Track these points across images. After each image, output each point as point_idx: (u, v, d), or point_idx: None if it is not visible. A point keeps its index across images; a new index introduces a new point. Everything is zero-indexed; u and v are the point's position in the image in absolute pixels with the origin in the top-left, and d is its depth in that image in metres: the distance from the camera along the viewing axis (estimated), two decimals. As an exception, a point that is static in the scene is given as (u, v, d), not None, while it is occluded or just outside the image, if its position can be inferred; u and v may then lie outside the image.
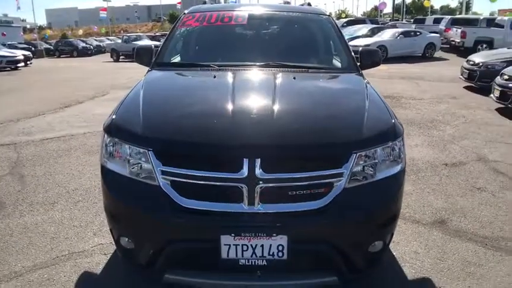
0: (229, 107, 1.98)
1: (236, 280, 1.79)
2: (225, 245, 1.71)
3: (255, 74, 2.61)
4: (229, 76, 2.44)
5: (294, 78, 2.46)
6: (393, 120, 2.04)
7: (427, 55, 17.42)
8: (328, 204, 1.74)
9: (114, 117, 2.07)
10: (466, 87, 9.09)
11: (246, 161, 1.70)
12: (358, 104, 2.18)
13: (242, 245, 1.70)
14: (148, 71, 2.84)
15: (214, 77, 2.51)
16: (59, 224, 3.10)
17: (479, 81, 8.45)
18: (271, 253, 1.71)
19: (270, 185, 1.72)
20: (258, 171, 1.70)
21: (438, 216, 3.08)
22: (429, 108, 7.01)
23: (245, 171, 1.70)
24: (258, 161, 1.70)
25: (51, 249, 2.72)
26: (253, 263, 1.73)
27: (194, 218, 1.73)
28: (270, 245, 1.70)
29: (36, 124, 6.48)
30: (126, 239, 1.93)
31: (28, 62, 19.06)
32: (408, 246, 2.65)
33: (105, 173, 2.00)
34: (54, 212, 3.31)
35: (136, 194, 1.85)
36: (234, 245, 1.71)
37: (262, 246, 1.70)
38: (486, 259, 2.49)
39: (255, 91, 2.31)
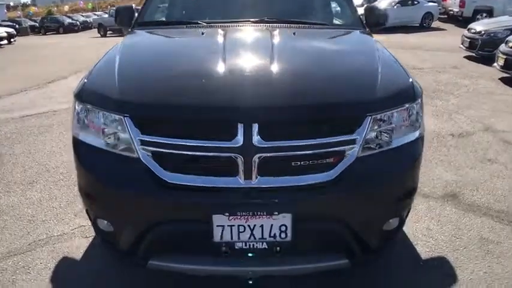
0: (221, 65, 1.67)
1: (233, 266, 1.54)
2: (217, 226, 1.45)
3: (250, 30, 2.28)
4: (220, 33, 2.10)
5: (294, 34, 2.14)
6: (410, 80, 1.75)
7: (424, 25, 16.92)
8: (338, 176, 1.47)
9: (85, 81, 1.77)
10: (467, 57, 8.78)
11: (240, 127, 1.42)
12: (369, 61, 1.88)
13: (238, 225, 1.44)
14: (128, 32, 2.50)
15: (203, 34, 2.17)
16: (37, 205, 2.83)
17: (481, 50, 8.14)
18: (272, 234, 1.45)
19: (270, 154, 1.44)
20: (255, 138, 1.41)
21: (449, 189, 2.86)
22: (430, 78, 6.72)
23: (240, 139, 1.41)
24: (256, 127, 1.42)
25: (28, 234, 2.46)
26: (251, 246, 1.47)
27: (181, 196, 1.46)
28: (271, 225, 1.44)
29: (17, 101, 6.10)
30: (105, 221, 1.67)
31: (12, 40, 18.38)
32: (420, 222, 2.43)
33: (78, 145, 1.71)
34: (32, 192, 3.03)
35: (113, 169, 1.57)
36: (228, 225, 1.44)
37: (262, 226, 1.44)
38: (505, 236, 2.28)
39: (250, 48, 1.98)
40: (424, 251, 2.16)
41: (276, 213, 1.42)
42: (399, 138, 1.61)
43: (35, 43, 19.86)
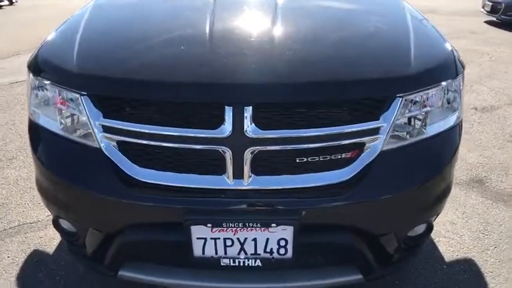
0: (207, 29, 1.29)
1: (220, 282, 1.24)
2: (198, 238, 1.13)
3: None
4: None
5: None
6: (451, 49, 1.36)
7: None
8: (356, 174, 1.13)
9: (39, 49, 1.41)
10: (488, 22, 8.12)
11: (229, 111, 1.07)
12: (398, 25, 1.46)
13: (224, 238, 1.12)
14: None
15: None
16: (13, 185, 2.54)
17: (504, 14, 7.49)
18: (268, 250, 1.13)
19: (268, 148, 1.09)
20: (248, 126, 1.07)
21: (474, 173, 2.52)
22: (449, 45, 6.17)
23: (227, 127, 1.07)
24: (249, 111, 1.07)
25: (-2, 220, 2.20)
26: (241, 264, 1.16)
27: (151, 198, 1.13)
28: (267, 238, 1.11)
29: (8, 66, 5.69)
30: (66, 221, 1.37)
31: (13, 0, 17.73)
32: (443, 214, 2.08)
33: (32, 128, 1.38)
34: (9, 170, 2.73)
35: (70, 160, 1.26)
36: (212, 238, 1.12)
37: (254, 240, 1.12)
38: (543, 232, 1.97)
39: (247, 7, 1.57)
40: (448, 250, 1.85)
41: (274, 225, 1.09)
42: (435, 124, 1.25)
43: (39, 4, 18.97)
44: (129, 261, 1.31)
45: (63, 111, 1.25)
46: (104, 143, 1.16)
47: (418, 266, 1.75)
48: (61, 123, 1.26)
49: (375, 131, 1.13)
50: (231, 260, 1.16)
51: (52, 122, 1.28)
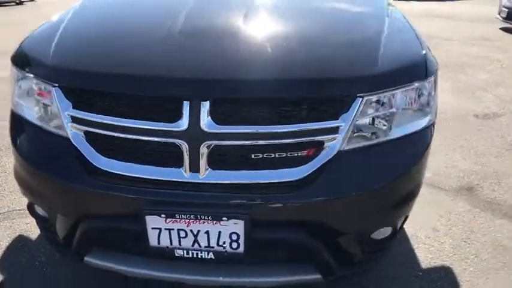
0: (177, 25, 1.31)
1: (179, 273, 1.25)
2: (153, 228, 1.14)
3: None
4: None
5: None
6: (424, 51, 1.33)
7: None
8: (313, 173, 1.12)
9: (23, 42, 1.48)
10: (504, 29, 7.92)
11: (186, 105, 1.09)
12: (372, 24, 1.45)
13: (178, 230, 1.13)
14: None
15: None
16: (9, 173, 2.62)
17: (521, 20, 7.31)
18: (220, 243, 1.14)
19: (224, 143, 1.10)
20: (205, 121, 1.08)
21: (466, 181, 2.46)
22: (459, 50, 6.05)
23: (185, 121, 1.09)
24: (206, 106, 1.08)
25: (-10, 206, 2.26)
26: (195, 255, 1.17)
27: (111, 186, 1.16)
28: (219, 232, 1.12)
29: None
30: (39, 207, 1.42)
31: (35, -4, 18.23)
32: (426, 220, 2.07)
33: (13, 118, 1.44)
34: (7, 158, 2.81)
35: (42, 148, 1.31)
36: (166, 229, 1.13)
37: (207, 233, 1.13)
38: (528, 244, 1.91)
39: (223, 5, 1.57)
40: (426, 257, 1.81)
41: (225, 218, 1.09)
42: (401, 126, 1.23)
43: (58, 0, 19.48)
44: (95, 248, 1.34)
45: (40, 102, 1.29)
46: (72, 132, 1.20)
47: (393, 270, 1.72)
48: (37, 113, 1.31)
49: (333, 130, 1.12)
50: (185, 251, 1.17)
51: (30, 112, 1.33)
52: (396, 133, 1.22)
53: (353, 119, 1.13)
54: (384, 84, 1.17)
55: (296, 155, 1.13)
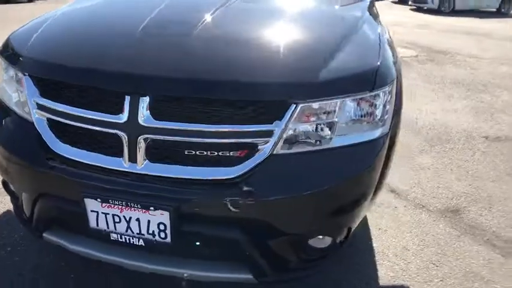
0: (140, 25, 1.38)
1: (118, 257, 1.30)
2: (92, 211, 1.21)
3: None
4: None
5: None
6: (378, 62, 1.31)
7: (503, 11, 14.71)
8: (244, 174, 1.15)
9: (11, 35, 1.63)
10: (543, 50, 7.46)
11: (127, 99, 1.16)
12: (330, 33, 1.46)
13: (113, 215, 1.19)
14: None
15: None
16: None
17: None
18: (150, 232, 1.19)
19: (160, 137, 1.16)
20: (142, 115, 1.15)
21: (454, 203, 2.36)
22: (486, 70, 5.77)
23: (125, 114, 1.16)
24: (145, 101, 1.15)
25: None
26: (127, 241, 1.22)
27: (61, 170, 1.24)
28: (149, 220, 1.17)
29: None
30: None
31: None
32: (399, 237, 2.02)
33: None
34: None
35: (13, 130, 1.42)
36: (102, 213, 1.20)
37: (138, 220, 1.18)
38: (502, 274, 1.81)
39: (192, 8, 1.63)
40: (387, 275, 1.77)
41: (152, 208, 1.14)
42: (345, 136, 1.23)
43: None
44: (54, 226, 1.43)
45: (17, 89, 1.41)
46: (36, 118, 1.30)
47: (347, 279, 1.70)
48: (15, 99, 1.43)
49: (266, 134, 1.14)
50: (119, 236, 1.22)
51: (10, 98, 1.45)
52: (338, 142, 1.21)
53: (286, 125, 1.14)
54: (324, 93, 1.17)
55: (228, 154, 1.16)
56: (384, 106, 1.30)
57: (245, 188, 1.13)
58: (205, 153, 1.16)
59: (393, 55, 1.54)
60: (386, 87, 1.29)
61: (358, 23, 1.56)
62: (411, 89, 4.48)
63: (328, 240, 1.30)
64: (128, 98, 1.15)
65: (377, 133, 1.29)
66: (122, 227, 1.20)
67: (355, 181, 1.24)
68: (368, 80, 1.24)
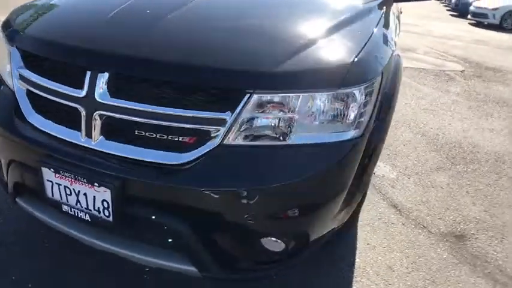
0: (115, 8, 1.39)
1: (71, 228, 1.32)
2: (47, 180, 1.24)
3: None
4: None
5: None
6: (354, 58, 1.20)
7: None
8: (192, 161, 1.11)
9: (11, 11, 1.71)
10: None
11: (88, 75, 1.17)
12: (309, 23, 1.39)
13: (64, 186, 1.21)
14: None
15: None
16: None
17: None
18: (96, 208, 1.19)
19: (114, 115, 1.15)
20: (98, 91, 1.16)
21: (461, 227, 2.15)
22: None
23: (84, 89, 1.17)
24: (103, 78, 1.16)
25: None
26: (76, 214, 1.23)
27: (27, 138, 1.29)
28: (94, 196, 1.17)
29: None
30: None
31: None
32: (386, 256, 1.86)
33: None
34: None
35: (1, 100, 1.48)
36: (56, 183, 1.22)
37: (85, 195, 1.18)
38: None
39: None
40: (361, 293, 1.64)
41: (97, 184, 1.14)
42: (305, 134, 1.15)
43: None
44: (24, 192, 1.49)
45: (9, 61, 1.49)
46: (17, 87, 1.38)
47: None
48: (7, 69, 1.50)
49: (218, 122, 1.09)
50: (70, 208, 1.24)
51: (3, 68, 1.53)
52: (297, 140, 1.14)
53: (238, 115, 1.09)
54: (283, 85, 1.10)
55: (178, 140, 1.13)
56: (359, 107, 1.20)
57: (190, 176, 1.09)
58: (156, 135, 1.14)
59: (386, 54, 1.43)
60: (362, 86, 1.19)
61: (351, 16, 1.46)
62: (443, 103, 4.18)
63: (278, 245, 1.22)
64: (88, 74, 1.17)
65: (346, 136, 1.19)
66: (72, 199, 1.22)
67: (311, 185, 1.15)
68: (336, 76, 1.15)
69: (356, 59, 1.20)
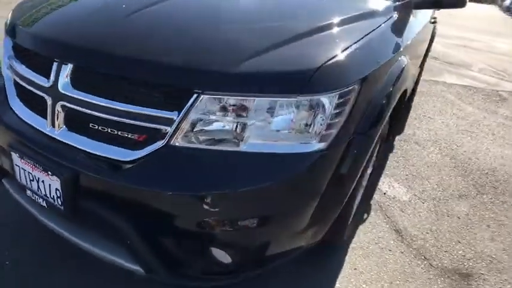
0: (96, 5, 1.44)
1: (37, 211, 1.37)
2: (16, 165, 1.30)
3: None
4: None
5: None
6: (321, 64, 1.10)
7: None
8: (140, 159, 1.10)
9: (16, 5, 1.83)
10: None
11: (55, 65, 1.21)
12: (284, 24, 1.33)
13: (28, 172, 1.26)
14: None
15: None
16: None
17: None
18: (52, 196, 1.22)
19: (74, 107, 1.18)
20: (62, 82, 1.19)
21: (469, 265, 1.91)
22: None
23: (51, 79, 1.22)
24: (67, 69, 1.19)
25: None
26: (35, 200, 1.29)
27: (5, 123, 1.36)
28: (50, 184, 1.20)
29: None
30: None
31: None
32: (371, 285, 1.71)
33: None
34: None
35: None
36: (22, 169, 1.28)
37: (43, 182, 1.22)
38: None
39: None
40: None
41: (50, 172, 1.16)
42: (258, 142, 1.09)
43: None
44: (9, 174, 1.57)
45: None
46: (6, 75, 1.47)
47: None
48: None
49: (165, 122, 1.07)
50: (32, 194, 1.29)
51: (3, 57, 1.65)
52: (249, 148, 1.08)
53: (186, 115, 1.05)
54: (234, 88, 1.04)
55: (129, 136, 1.13)
56: (327, 117, 1.11)
57: (132, 174, 1.08)
58: (110, 130, 1.15)
59: (377, 61, 1.32)
60: (332, 94, 1.09)
61: (341, 20, 1.37)
62: (486, 125, 3.80)
63: (224, 256, 1.16)
64: (55, 64, 1.21)
65: (307, 148, 1.11)
66: (34, 185, 1.26)
67: (260, 198, 1.08)
68: (297, 81, 1.06)
69: (326, 65, 1.11)
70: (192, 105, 1.05)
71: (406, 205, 2.34)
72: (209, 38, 1.20)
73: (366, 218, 2.16)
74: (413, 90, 3.85)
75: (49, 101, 1.22)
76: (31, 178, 1.26)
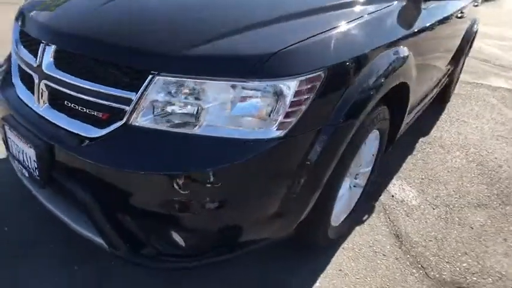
0: None
1: (24, 180, 1.47)
2: (8, 137, 1.41)
3: None
4: None
5: None
6: (281, 48, 1.07)
7: None
8: (102, 137, 1.14)
9: None
10: None
11: (41, 47, 1.31)
12: (251, 13, 1.30)
13: (16, 143, 1.36)
14: None
15: None
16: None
17: None
18: (32, 167, 1.30)
19: (54, 86, 1.26)
20: (46, 61, 1.28)
21: (472, 280, 1.75)
22: None
23: (38, 58, 1.32)
24: (51, 50, 1.28)
25: None
26: (20, 170, 1.40)
27: (6, 100, 1.48)
28: (30, 156, 1.29)
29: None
30: None
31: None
32: (360, 285, 1.63)
33: None
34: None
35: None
36: (12, 140, 1.39)
37: (25, 154, 1.31)
38: None
39: None
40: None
41: (30, 145, 1.26)
42: (215, 126, 1.08)
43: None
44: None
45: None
46: (13, 59, 1.60)
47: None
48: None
49: (124, 101, 1.11)
50: (19, 163, 1.39)
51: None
52: (204, 131, 1.07)
53: (142, 95, 1.08)
54: (188, 70, 1.05)
55: (95, 114, 1.18)
56: (286, 104, 1.07)
57: (94, 151, 1.13)
58: (79, 108, 1.21)
59: (356, 49, 1.26)
60: (289, 80, 1.06)
61: (320, 6, 1.32)
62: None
63: (178, 239, 1.18)
64: (41, 46, 1.30)
65: (263, 135, 1.08)
66: (21, 156, 1.36)
67: (211, 183, 1.07)
68: (252, 65, 1.04)
69: (284, 50, 1.07)
70: (148, 85, 1.07)
71: (414, 210, 2.20)
72: (168, 22, 1.24)
73: (366, 220, 2.06)
74: (445, 91, 3.59)
75: (36, 80, 1.31)
76: (18, 149, 1.36)
